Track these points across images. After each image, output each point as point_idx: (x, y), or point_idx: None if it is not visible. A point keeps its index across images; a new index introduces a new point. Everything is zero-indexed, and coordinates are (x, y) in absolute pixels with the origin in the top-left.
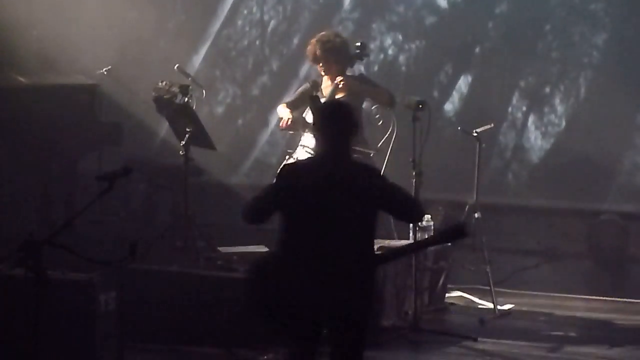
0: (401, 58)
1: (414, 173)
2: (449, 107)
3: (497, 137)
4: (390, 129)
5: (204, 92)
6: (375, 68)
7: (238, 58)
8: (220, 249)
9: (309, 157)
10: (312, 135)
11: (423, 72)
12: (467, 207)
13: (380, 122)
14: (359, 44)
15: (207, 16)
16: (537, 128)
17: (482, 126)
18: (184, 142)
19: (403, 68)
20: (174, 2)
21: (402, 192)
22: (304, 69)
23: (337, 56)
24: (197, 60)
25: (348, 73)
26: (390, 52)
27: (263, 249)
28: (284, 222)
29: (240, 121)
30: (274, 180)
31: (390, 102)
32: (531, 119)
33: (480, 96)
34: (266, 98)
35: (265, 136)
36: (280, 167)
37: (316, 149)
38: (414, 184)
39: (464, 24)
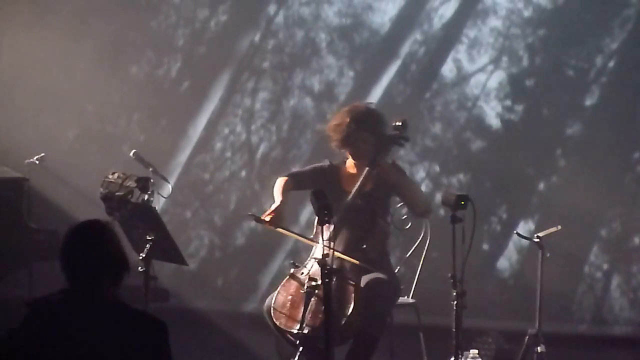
0: (438, 197)
1: (454, 293)
2: (503, 264)
3: (571, 306)
4: (422, 234)
5: (170, 187)
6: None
7: (216, 194)
8: None
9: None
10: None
11: None
12: (527, 337)
13: (408, 225)
14: (399, 122)
15: (174, 138)
16: (623, 294)
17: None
18: (143, 255)
19: (441, 211)
20: (129, 116)
21: None
22: (308, 209)
23: (374, 131)
24: (159, 198)
25: None
26: (423, 188)
27: None
28: None
29: (219, 281)
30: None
31: (426, 210)
32: (615, 281)
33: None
34: (256, 250)
35: (253, 303)
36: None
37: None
38: (454, 306)
39: (524, 148)
